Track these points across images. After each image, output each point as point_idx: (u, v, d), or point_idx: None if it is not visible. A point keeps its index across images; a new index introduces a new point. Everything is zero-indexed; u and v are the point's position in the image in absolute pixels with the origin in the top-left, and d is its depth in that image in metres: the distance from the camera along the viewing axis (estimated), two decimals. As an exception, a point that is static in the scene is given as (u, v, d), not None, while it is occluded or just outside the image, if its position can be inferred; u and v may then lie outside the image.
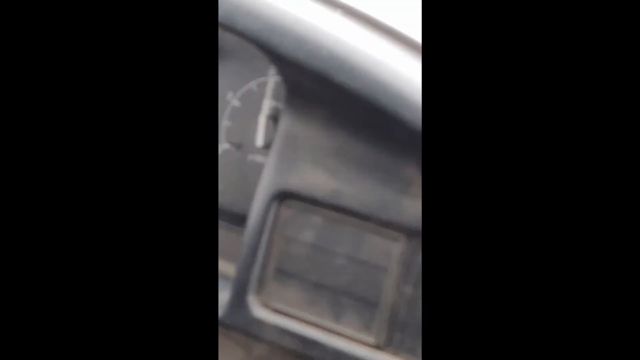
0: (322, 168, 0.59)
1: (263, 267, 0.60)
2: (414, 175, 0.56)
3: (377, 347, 0.57)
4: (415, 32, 0.61)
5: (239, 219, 0.69)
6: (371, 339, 0.57)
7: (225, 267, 0.67)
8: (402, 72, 0.55)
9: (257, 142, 0.71)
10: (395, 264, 0.57)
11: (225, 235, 0.69)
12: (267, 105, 0.71)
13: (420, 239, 0.56)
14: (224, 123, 0.73)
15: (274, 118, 0.70)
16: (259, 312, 0.59)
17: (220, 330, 0.62)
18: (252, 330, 0.59)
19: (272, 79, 0.71)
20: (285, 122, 0.61)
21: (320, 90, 0.57)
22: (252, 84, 0.72)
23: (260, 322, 0.59)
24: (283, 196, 0.60)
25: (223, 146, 0.73)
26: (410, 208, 0.56)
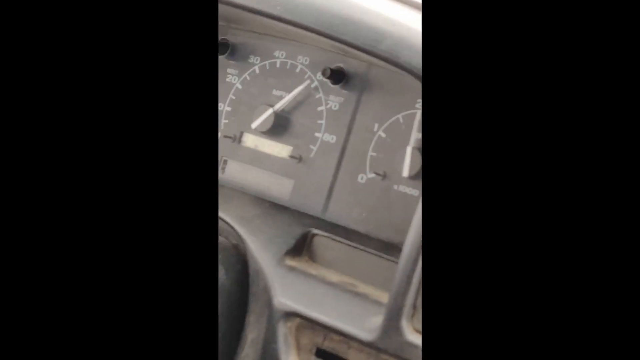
0: None
1: (417, 293, 0.61)
2: None
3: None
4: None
5: (385, 246, 0.71)
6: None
7: (371, 291, 0.69)
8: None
9: (403, 172, 0.73)
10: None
11: (372, 261, 0.71)
12: (414, 137, 0.73)
13: None
14: (370, 153, 0.76)
15: (420, 150, 0.72)
16: (412, 337, 0.61)
17: (372, 353, 0.64)
18: (404, 354, 0.61)
19: (419, 112, 0.73)
20: (441, 153, 0.63)
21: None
22: (399, 116, 0.75)
23: (413, 347, 0.60)
24: (438, 225, 0.61)
25: (368, 175, 0.75)
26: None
